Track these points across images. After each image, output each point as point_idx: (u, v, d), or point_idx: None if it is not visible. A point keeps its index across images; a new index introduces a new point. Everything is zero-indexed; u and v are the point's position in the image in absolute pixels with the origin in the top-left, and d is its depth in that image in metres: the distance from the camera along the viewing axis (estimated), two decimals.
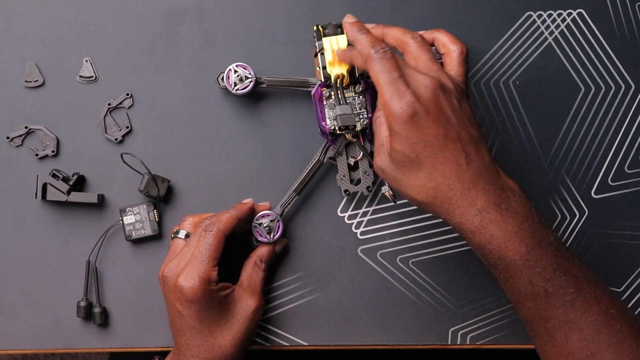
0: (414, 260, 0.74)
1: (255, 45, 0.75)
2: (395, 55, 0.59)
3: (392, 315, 0.73)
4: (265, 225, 0.70)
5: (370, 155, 0.70)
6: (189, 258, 0.66)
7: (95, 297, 0.73)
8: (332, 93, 0.69)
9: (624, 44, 0.74)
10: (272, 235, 0.70)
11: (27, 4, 0.75)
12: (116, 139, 0.74)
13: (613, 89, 0.74)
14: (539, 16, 0.74)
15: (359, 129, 0.69)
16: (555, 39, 0.74)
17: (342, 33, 0.69)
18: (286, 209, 0.71)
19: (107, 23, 0.75)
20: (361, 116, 0.69)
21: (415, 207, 0.74)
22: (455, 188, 0.58)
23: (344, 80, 0.68)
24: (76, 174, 0.72)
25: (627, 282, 0.73)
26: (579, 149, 0.74)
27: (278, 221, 0.70)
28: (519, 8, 0.75)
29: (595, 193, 0.74)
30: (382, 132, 0.61)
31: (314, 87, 0.71)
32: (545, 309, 0.57)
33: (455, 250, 0.73)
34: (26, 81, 0.74)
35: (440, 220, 0.73)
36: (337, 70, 0.68)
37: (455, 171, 0.58)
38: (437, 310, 0.73)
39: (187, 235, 0.69)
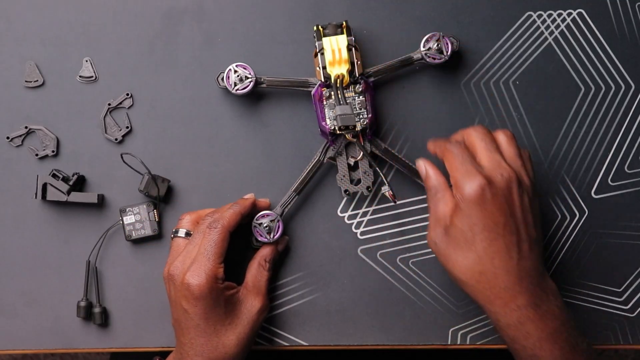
0: (414, 260, 0.74)
1: (255, 45, 0.75)
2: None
3: (392, 315, 0.73)
4: (265, 225, 0.70)
5: (370, 155, 0.70)
6: (195, 255, 0.66)
7: (95, 297, 0.73)
8: (332, 93, 0.69)
9: (624, 44, 0.74)
10: (272, 235, 0.70)
11: (27, 4, 0.75)
12: (116, 139, 0.74)
13: (613, 89, 0.74)
14: (539, 16, 0.74)
15: (359, 129, 0.69)
16: (555, 39, 0.74)
17: (342, 33, 0.69)
18: (286, 209, 0.71)
19: (107, 23, 0.75)
20: (361, 116, 0.69)
21: (415, 207, 0.74)
22: (501, 279, 0.60)
23: (344, 80, 0.68)
24: (76, 174, 0.72)
25: (627, 282, 0.73)
26: (579, 149, 0.74)
27: (278, 221, 0.70)
28: (519, 8, 0.75)
29: (595, 193, 0.74)
30: (440, 207, 0.63)
31: (314, 87, 0.71)
32: None
33: None
34: (26, 81, 0.74)
35: None
36: (337, 70, 0.68)
37: (506, 263, 0.60)
38: (437, 310, 0.73)
39: (187, 234, 0.69)
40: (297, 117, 0.74)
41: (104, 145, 0.74)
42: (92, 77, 0.75)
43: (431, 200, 0.64)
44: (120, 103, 0.74)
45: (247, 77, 0.71)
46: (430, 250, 0.73)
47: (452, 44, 0.71)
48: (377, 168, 0.70)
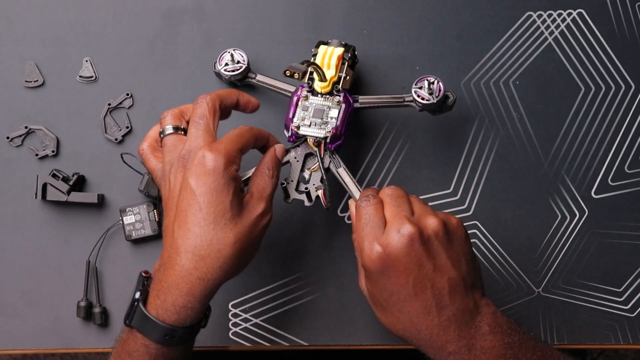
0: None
1: (255, 45, 0.75)
2: (381, 203, 0.61)
3: None
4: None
5: (325, 170, 0.67)
6: (219, 139, 0.61)
7: (95, 297, 0.73)
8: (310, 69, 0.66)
9: (624, 44, 0.74)
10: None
11: (27, 4, 0.75)
12: (116, 139, 0.74)
13: (613, 89, 0.74)
14: (539, 16, 0.74)
15: (321, 136, 0.67)
16: (555, 39, 0.74)
17: (341, 46, 0.68)
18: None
19: (107, 23, 0.75)
20: (329, 125, 0.67)
21: None
22: (424, 334, 0.58)
23: (324, 87, 0.67)
24: (76, 174, 0.72)
25: (627, 282, 0.73)
26: (579, 149, 0.74)
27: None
28: (519, 8, 0.75)
29: (595, 193, 0.74)
30: (358, 263, 0.62)
31: (298, 85, 0.69)
32: None
33: None
34: (26, 81, 0.74)
35: None
36: (327, 72, 0.67)
37: (424, 319, 0.58)
38: None
39: (175, 128, 0.65)
40: None
41: (104, 145, 0.74)
42: (92, 77, 0.75)
43: (355, 243, 0.63)
44: (120, 103, 0.74)
45: (238, 62, 0.71)
46: None
47: (448, 98, 0.68)
48: (327, 186, 0.66)
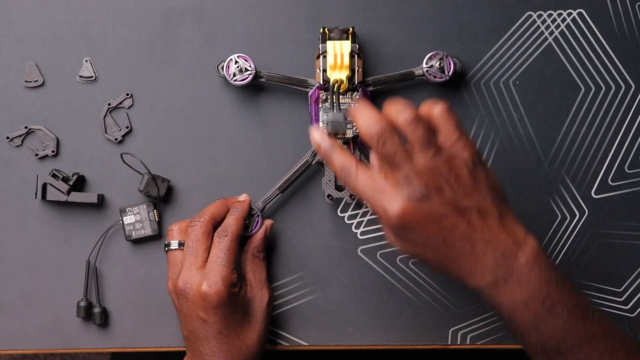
0: (414, 260, 0.74)
1: (255, 45, 0.74)
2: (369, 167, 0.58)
3: (392, 315, 0.73)
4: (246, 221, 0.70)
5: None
6: (207, 264, 0.66)
7: (95, 297, 0.73)
8: (328, 97, 0.69)
9: (624, 44, 0.74)
10: (249, 230, 0.70)
11: (27, 4, 0.75)
12: (116, 139, 0.74)
13: (613, 89, 0.74)
14: (539, 16, 0.74)
15: (349, 136, 0.69)
16: (555, 39, 0.74)
17: (347, 38, 0.69)
18: (268, 205, 0.71)
19: (107, 23, 0.75)
20: (354, 124, 0.69)
21: None
22: (463, 267, 0.58)
23: (342, 87, 0.68)
24: (76, 174, 0.72)
25: (627, 282, 0.73)
26: (579, 149, 0.74)
27: (257, 216, 0.71)
28: (519, 8, 0.74)
29: (595, 193, 0.74)
30: (380, 213, 0.58)
31: (312, 88, 0.71)
32: None
33: None
34: (26, 81, 0.74)
35: None
36: (337, 74, 0.68)
37: (462, 256, 0.57)
38: (437, 310, 0.73)
39: (180, 244, 0.69)
40: (297, 117, 0.74)
41: (104, 145, 0.74)
42: (92, 77, 0.74)
43: (368, 202, 0.58)
44: (120, 103, 0.74)
45: (246, 70, 0.71)
46: None
47: (454, 64, 0.71)
48: None
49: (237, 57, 0.71)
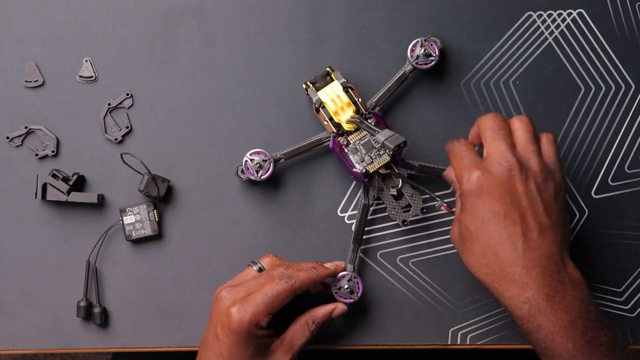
0: (414, 260, 0.74)
1: (255, 45, 0.75)
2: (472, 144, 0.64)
3: (392, 315, 0.73)
4: (346, 287, 0.69)
5: (409, 177, 0.70)
6: (253, 293, 0.64)
7: (95, 297, 0.73)
8: (361, 126, 0.68)
9: (624, 44, 0.74)
10: (356, 294, 0.70)
11: (27, 4, 0.75)
12: (116, 139, 0.74)
13: (613, 89, 0.74)
14: (539, 16, 0.74)
15: (387, 160, 0.69)
16: (555, 39, 0.74)
17: (331, 80, 0.69)
18: (356, 264, 0.71)
19: (107, 23, 0.75)
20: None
21: None
22: (507, 271, 0.58)
23: (353, 113, 0.69)
24: (76, 174, 0.72)
25: (627, 282, 0.73)
26: (579, 149, 0.74)
27: (355, 278, 0.70)
28: (519, 8, 0.74)
29: (595, 193, 0.74)
30: (458, 205, 0.63)
31: (328, 141, 0.71)
32: None
33: (456, 250, 0.73)
34: (26, 81, 0.74)
35: (440, 220, 0.73)
36: (344, 116, 0.69)
37: (510, 254, 0.58)
38: (437, 310, 0.73)
39: (260, 269, 0.68)
40: (298, 116, 0.74)
41: (104, 145, 0.74)
42: (92, 77, 0.75)
43: (458, 164, 0.63)
44: (120, 103, 0.74)
45: (264, 161, 0.70)
46: (430, 250, 0.74)
47: (435, 43, 0.71)
48: (421, 187, 0.70)
49: (250, 155, 0.70)
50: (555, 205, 0.60)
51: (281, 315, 0.66)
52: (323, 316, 0.68)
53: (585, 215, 0.73)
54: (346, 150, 0.70)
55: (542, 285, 0.57)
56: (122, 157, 0.72)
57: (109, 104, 0.74)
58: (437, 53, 0.71)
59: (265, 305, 0.63)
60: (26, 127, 0.74)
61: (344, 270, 0.70)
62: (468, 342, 0.73)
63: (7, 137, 0.74)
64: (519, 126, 0.62)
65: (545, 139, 0.63)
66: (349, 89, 0.70)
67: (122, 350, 0.74)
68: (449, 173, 0.66)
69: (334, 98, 0.69)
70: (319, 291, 0.70)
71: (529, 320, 0.58)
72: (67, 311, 0.73)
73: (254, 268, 0.68)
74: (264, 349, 0.65)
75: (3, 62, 0.75)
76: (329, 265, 0.69)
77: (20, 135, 0.74)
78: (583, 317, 0.57)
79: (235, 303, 0.63)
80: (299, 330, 0.67)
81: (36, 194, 0.71)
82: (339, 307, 0.68)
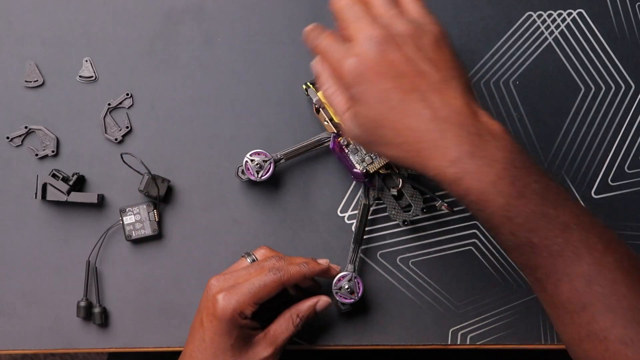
0: (414, 260, 0.74)
1: (255, 45, 0.75)
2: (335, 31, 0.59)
3: (392, 315, 0.73)
4: (346, 287, 0.69)
5: (409, 178, 0.70)
6: (240, 282, 0.64)
7: (95, 297, 0.73)
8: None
9: (624, 44, 0.74)
10: (356, 294, 0.69)
11: (27, 4, 0.75)
12: (116, 139, 0.74)
13: (613, 89, 0.74)
14: (539, 16, 0.74)
15: (387, 160, 0.69)
16: (555, 39, 0.74)
17: None
18: (356, 264, 0.71)
19: (107, 23, 0.75)
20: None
21: None
22: (424, 140, 0.54)
23: None
24: (76, 174, 0.72)
25: None
26: (579, 149, 0.74)
27: (355, 278, 0.70)
28: (519, 8, 0.75)
29: (595, 193, 0.74)
30: (336, 101, 0.58)
31: (328, 141, 0.71)
32: (532, 260, 0.54)
33: (455, 250, 0.73)
34: (26, 81, 0.74)
35: (440, 220, 0.73)
36: None
37: (420, 123, 0.54)
38: (437, 310, 0.73)
39: (253, 261, 0.68)
40: (298, 116, 0.74)
41: (104, 145, 0.74)
42: (92, 77, 0.75)
43: (328, 100, 0.59)
44: (120, 103, 0.74)
45: (264, 161, 0.70)
46: (430, 250, 0.73)
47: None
48: (422, 187, 0.70)
49: (250, 155, 0.70)
50: (441, 57, 0.56)
51: (273, 310, 0.67)
52: (307, 309, 0.67)
53: None
54: (346, 151, 0.70)
55: (461, 144, 0.53)
56: (122, 157, 0.72)
57: (109, 104, 0.74)
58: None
59: (251, 295, 0.63)
60: (26, 127, 0.74)
61: (344, 270, 0.70)
62: (468, 342, 0.73)
63: (7, 137, 0.74)
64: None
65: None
66: None
67: (122, 350, 0.74)
68: (315, 64, 0.61)
69: None
70: (309, 287, 0.70)
71: (458, 183, 0.53)
72: (67, 311, 0.73)
73: (248, 259, 0.69)
74: (247, 340, 0.65)
75: (3, 62, 0.75)
76: (322, 261, 0.69)
77: (20, 135, 0.74)
78: (509, 167, 0.53)
79: (222, 290, 0.63)
80: (283, 324, 0.67)
81: (36, 194, 0.71)
82: (322, 300, 0.68)
